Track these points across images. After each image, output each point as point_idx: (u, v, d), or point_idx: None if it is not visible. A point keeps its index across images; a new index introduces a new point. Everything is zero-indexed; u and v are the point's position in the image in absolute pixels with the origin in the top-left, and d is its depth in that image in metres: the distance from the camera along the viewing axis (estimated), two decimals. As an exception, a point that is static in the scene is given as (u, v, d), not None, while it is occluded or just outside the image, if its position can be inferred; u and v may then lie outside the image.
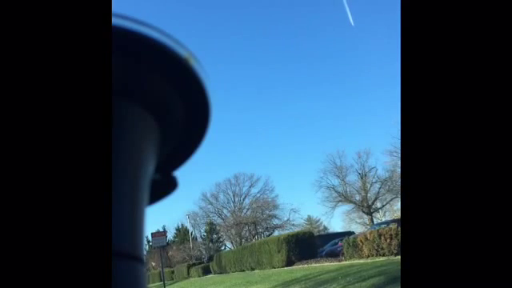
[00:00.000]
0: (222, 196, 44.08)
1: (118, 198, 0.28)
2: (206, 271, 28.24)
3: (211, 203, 44.77)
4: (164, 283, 16.25)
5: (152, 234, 16.74)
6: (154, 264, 45.56)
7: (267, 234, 36.42)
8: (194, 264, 33.07)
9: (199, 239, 45.83)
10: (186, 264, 33.75)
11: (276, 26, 49.80)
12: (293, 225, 36.75)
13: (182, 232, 47.81)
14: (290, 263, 17.06)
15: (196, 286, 19.62)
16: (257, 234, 37.70)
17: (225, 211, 44.57)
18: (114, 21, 0.27)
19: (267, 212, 38.59)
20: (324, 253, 18.08)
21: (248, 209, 41.55)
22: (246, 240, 37.89)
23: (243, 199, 44.51)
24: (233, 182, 44.35)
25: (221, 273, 24.47)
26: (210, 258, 33.58)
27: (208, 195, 44.47)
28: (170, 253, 45.01)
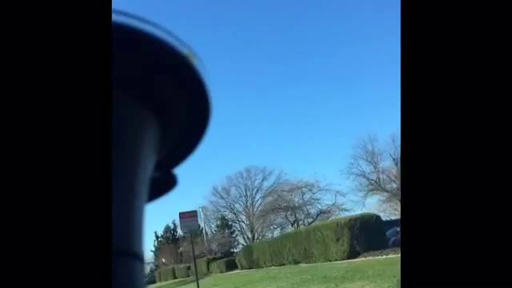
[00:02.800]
0: (233, 190, 41.88)
1: (117, 195, 0.28)
2: (230, 266, 24.88)
3: (222, 197, 42.68)
4: (197, 280, 12.72)
5: (180, 214, 12.94)
6: (164, 260, 42.23)
7: (309, 221, 32.54)
8: (215, 258, 29.69)
9: (209, 234, 42.80)
10: (204, 259, 30.37)
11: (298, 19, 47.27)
12: (343, 209, 32.55)
13: (192, 227, 44.74)
14: (353, 254, 13.63)
15: (237, 282, 15.98)
16: (296, 221, 33.91)
17: (237, 206, 42.51)
18: (115, 18, 0.27)
19: (310, 195, 34.43)
20: (391, 242, 14.66)
21: (267, 197, 38.69)
22: (281, 229, 34.19)
23: (255, 193, 42.48)
24: (244, 175, 42.25)
25: (251, 267, 21.08)
26: (227, 254, 30.42)
27: (219, 189, 42.37)
28: (181, 248, 41.83)
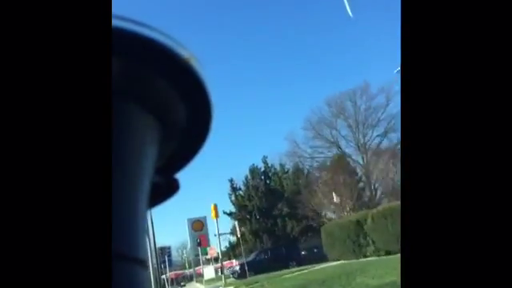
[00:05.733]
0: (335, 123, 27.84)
1: (119, 200, 0.28)
2: None
3: (319, 134, 27.94)
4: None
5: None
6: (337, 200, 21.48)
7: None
8: None
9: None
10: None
11: None
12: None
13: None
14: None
15: None
16: None
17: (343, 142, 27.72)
18: (115, 22, 0.27)
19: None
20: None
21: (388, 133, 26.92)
22: None
23: (371, 130, 27.66)
24: (352, 98, 27.64)
25: None
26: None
27: (313, 121, 27.74)
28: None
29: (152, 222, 23.38)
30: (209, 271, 27.86)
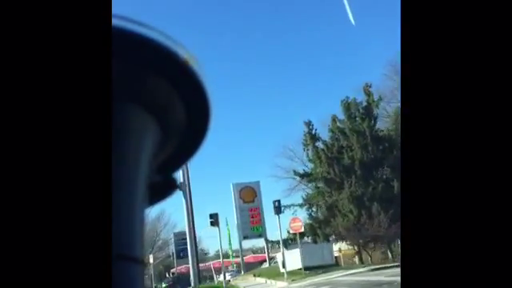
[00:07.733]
0: None
1: (117, 199, 0.28)
2: None
3: None
4: None
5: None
6: None
7: None
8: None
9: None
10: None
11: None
12: None
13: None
14: None
15: None
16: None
17: None
18: (115, 22, 0.27)
19: None
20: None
21: None
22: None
23: None
24: None
25: None
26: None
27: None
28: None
29: (192, 210, 16.93)
30: (292, 258, 17.37)
